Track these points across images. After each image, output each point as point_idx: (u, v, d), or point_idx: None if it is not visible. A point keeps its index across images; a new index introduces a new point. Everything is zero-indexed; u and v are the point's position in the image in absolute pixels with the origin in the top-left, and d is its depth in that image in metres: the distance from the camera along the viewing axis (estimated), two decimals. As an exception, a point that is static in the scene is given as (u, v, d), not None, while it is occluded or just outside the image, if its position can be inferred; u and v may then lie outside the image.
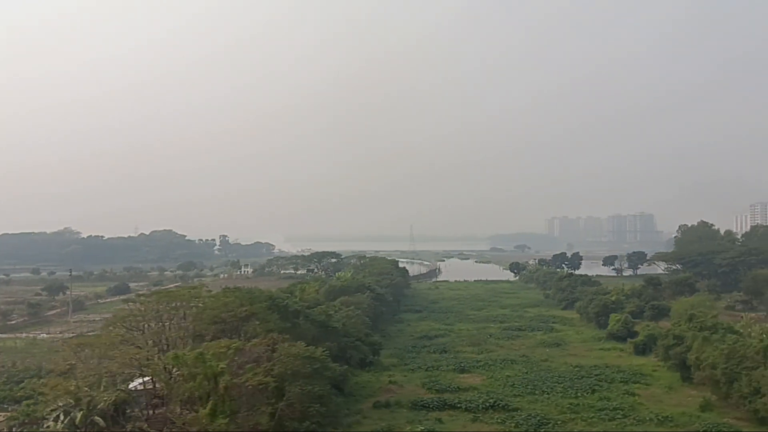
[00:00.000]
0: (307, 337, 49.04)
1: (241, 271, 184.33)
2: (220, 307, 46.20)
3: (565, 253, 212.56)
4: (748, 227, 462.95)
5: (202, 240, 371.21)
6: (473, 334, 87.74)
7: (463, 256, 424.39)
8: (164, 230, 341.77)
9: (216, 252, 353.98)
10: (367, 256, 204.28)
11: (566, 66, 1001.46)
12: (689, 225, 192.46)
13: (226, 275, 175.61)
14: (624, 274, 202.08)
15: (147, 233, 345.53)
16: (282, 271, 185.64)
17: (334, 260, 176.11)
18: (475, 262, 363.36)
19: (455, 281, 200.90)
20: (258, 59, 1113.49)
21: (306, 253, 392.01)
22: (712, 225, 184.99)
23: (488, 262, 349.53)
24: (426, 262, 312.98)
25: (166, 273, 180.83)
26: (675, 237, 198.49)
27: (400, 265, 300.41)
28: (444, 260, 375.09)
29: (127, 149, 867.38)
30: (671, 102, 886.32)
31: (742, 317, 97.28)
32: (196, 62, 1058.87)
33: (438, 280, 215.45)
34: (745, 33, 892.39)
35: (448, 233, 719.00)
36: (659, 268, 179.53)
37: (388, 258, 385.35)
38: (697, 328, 60.43)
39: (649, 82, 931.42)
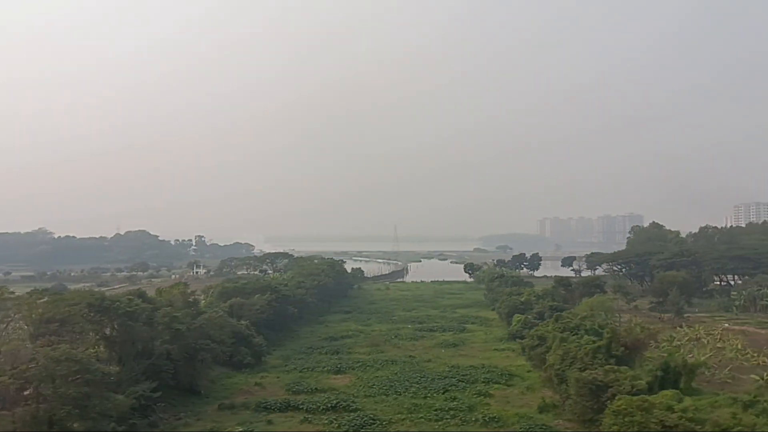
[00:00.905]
0: (143, 339, 49.39)
1: (194, 272, 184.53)
2: (51, 309, 46.49)
3: (524, 254, 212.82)
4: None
5: (178, 241, 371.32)
6: (378, 335, 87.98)
7: (443, 256, 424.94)
8: (138, 231, 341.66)
9: (192, 252, 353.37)
10: (309, 256, 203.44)
11: (559, 72, 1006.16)
12: (641, 226, 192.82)
13: (177, 276, 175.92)
14: (582, 274, 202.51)
15: (123, 234, 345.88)
16: (239, 272, 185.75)
17: (286, 260, 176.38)
18: (451, 262, 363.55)
19: (412, 282, 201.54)
20: (248, 63, 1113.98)
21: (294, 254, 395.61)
22: (662, 226, 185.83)
23: (464, 262, 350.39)
24: (397, 262, 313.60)
25: (118, 274, 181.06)
26: (628, 238, 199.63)
27: (368, 264, 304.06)
28: (420, 261, 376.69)
29: (115, 152, 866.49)
30: (663, 108, 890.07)
31: (662, 318, 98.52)
32: (183, 68, 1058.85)
33: (399, 280, 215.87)
34: (735, 43, 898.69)
35: (442, 234, 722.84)
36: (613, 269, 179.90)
37: (363, 258, 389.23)
38: (560, 329, 60.85)
39: (641, 90, 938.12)
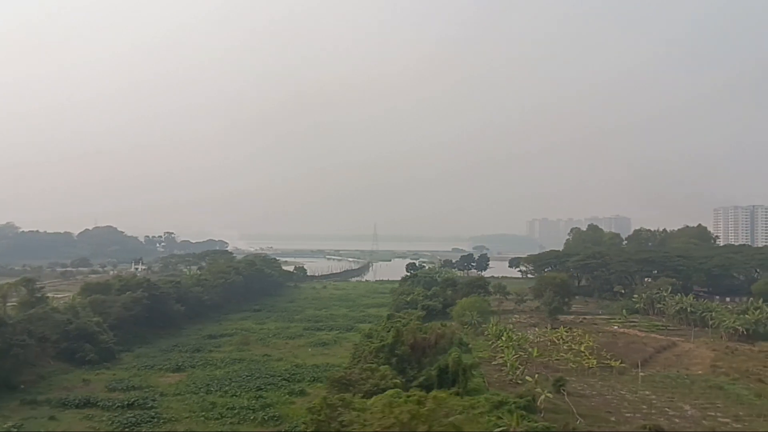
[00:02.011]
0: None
1: (134, 269, 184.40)
2: None
3: (472, 255, 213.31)
4: (720, 230, 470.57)
5: (149, 237, 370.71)
6: (249, 334, 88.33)
7: (416, 256, 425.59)
8: (105, 227, 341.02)
9: (160, 249, 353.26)
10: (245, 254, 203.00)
11: (550, 83, 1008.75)
12: (581, 229, 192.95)
13: (115, 271, 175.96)
14: (529, 276, 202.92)
15: (91, 230, 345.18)
16: (184, 269, 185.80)
17: (224, 259, 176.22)
18: (420, 262, 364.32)
19: (358, 281, 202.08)
20: (233, 68, 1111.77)
21: (270, 252, 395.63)
22: (600, 229, 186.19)
23: (434, 262, 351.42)
24: (362, 261, 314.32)
25: (57, 270, 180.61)
26: (567, 239, 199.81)
27: (340, 262, 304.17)
28: (391, 260, 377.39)
29: (104, 153, 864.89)
30: (652, 117, 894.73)
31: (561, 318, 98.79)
32: (167, 71, 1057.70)
33: (355, 279, 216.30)
34: (728, 55, 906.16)
35: (435, 234, 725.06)
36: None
37: (337, 256, 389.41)
38: (387, 329, 61.14)
39: (631, 101, 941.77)
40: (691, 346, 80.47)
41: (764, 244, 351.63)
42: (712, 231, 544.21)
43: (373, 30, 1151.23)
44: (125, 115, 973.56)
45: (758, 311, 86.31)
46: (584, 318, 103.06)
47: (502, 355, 60.69)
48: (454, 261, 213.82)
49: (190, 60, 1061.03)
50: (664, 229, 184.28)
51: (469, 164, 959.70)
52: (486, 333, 76.99)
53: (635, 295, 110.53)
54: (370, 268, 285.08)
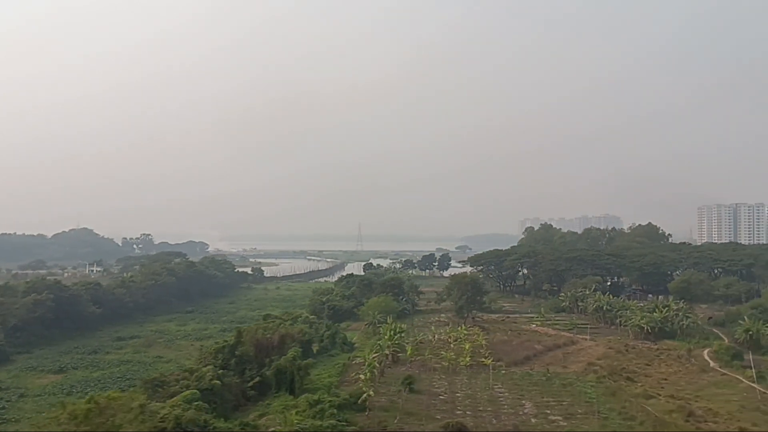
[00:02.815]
0: None
1: (89, 270, 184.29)
2: None
3: (434, 254, 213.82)
4: (704, 228, 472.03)
5: (126, 239, 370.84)
6: (153, 336, 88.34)
7: (397, 256, 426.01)
8: (81, 229, 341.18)
9: (137, 251, 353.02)
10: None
11: (545, 86, 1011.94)
12: (535, 228, 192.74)
13: (68, 274, 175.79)
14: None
15: (67, 231, 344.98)
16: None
17: (178, 260, 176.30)
18: (394, 261, 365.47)
19: (324, 280, 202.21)
20: (222, 70, 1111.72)
21: (254, 253, 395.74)
22: (553, 227, 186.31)
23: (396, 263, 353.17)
24: (336, 260, 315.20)
25: (14, 271, 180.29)
26: (521, 238, 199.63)
27: (318, 262, 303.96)
28: (368, 260, 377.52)
29: (97, 154, 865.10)
30: (642, 121, 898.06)
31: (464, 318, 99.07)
32: (154, 74, 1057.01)
33: (323, 279, 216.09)
34: (721, 60, 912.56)
35: (429, 234, 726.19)
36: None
37: (316, 257, 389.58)
38: (263, 328, 61.35)
39: (624, 103, 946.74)
40: (590, 344, 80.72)
41: (747, 241, 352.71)
42: (696, 229, 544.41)
43: (358, 34, 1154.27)
44: (110, 119, 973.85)
45: (666, 309, 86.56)
46: (508, 317, 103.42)
47: (375, 354, 60.84)
48: (415, 261, 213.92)
49: (172, 66, 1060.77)
50: (613, 228, 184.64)
51: (463, 166, 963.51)
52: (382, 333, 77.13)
53: (561, 294, 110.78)
54: (345, 268, 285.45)
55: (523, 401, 51.62)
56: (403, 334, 72.52)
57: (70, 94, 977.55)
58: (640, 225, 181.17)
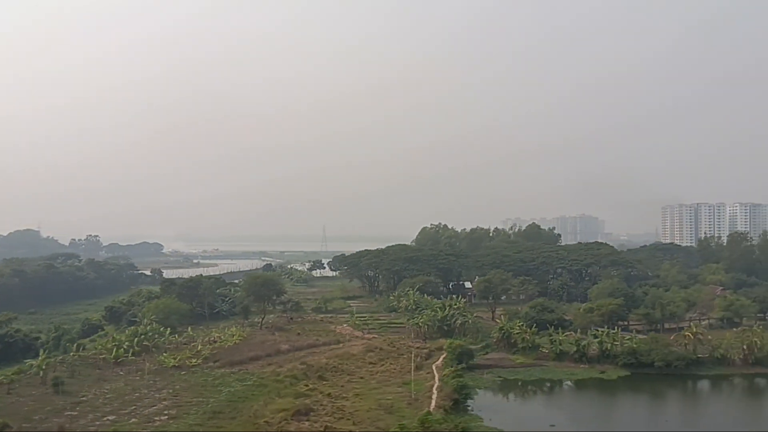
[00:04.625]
0: None
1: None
2: None
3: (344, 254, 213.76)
4: (668, 227, 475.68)
5: (74, 240, 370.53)
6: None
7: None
8: (24, 230, 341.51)
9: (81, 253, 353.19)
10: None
11: (537, 90, 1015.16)
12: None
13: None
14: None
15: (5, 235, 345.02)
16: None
17: (77, 262, 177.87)
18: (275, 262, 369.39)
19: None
20: (223, 68, 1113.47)
21: (211, 254, 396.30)
22: (447, 226, 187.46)
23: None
24: (281, 260, 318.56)
25: None
26: (417, 237, 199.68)
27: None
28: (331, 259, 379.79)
29: (83, 158, 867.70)
30: (622, 126, 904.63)
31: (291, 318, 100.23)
32: (142, 76, 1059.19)
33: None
34: (715, 63, 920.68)
35: (406, 233, 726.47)
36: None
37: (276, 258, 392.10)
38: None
39: (610, 107, 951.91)
40: (358, 343, 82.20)
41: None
42: (660, 228, 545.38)
43: (343, 45, 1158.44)
44: (80, 125, 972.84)
45: (448, 308, 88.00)
46: (324, 317, 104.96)
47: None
48: (325, 261, 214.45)
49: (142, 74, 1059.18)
50: (496, 228, 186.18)
51: (447, 168, 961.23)
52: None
53: (392, 294, 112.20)
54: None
55: (153, 392, 54.33)
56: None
57: (40, 101, 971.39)
58: (536, 225, 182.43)
